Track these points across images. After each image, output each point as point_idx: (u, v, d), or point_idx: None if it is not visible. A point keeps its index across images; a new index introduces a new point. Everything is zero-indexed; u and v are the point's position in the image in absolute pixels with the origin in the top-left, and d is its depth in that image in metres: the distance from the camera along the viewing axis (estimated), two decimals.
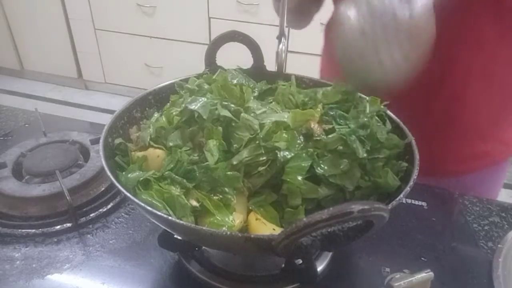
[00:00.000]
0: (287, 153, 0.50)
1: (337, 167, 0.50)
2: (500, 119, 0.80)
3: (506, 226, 0.69)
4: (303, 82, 0.68)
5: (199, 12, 2.44)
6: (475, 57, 0.72)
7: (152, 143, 0.55)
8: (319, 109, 0.55)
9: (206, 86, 0.60)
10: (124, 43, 2.68)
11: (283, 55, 0.65)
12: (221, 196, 0.49)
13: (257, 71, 0.68)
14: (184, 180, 0.48)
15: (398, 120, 0.58)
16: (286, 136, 0.51)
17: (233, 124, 0.52)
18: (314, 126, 0.53)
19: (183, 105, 0.55)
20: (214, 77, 0.63)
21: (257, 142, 0.50)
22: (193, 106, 0.53)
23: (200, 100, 0.54)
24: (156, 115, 0.61)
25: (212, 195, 0.49)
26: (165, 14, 2.52)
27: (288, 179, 0.49)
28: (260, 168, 0.50)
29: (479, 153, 0.81)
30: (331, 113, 0.56)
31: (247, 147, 0.50)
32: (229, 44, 0.65)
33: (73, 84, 3.01)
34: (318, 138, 0.52)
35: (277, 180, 0.51)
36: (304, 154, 0.50)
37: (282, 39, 0.65)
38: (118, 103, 0.60)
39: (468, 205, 0.73)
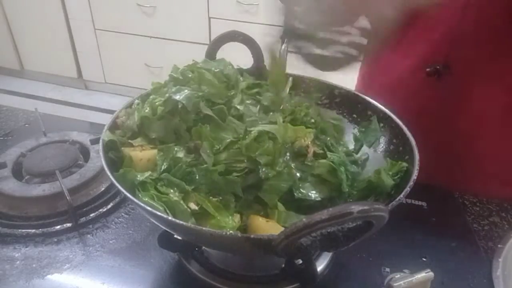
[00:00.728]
0: (267, 170, 0.48)
1: (317, 194, 0.50)
2: None
3: (506, 226, 0.69)
4: (303, 82, 0.68)
5: (199, 12, 2.44)
6: (495, 91, 0.67)
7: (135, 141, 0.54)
8: (312, 130, 0.54)
9: (190, 75, 0.58)
10: (124, 43, 2.68)
11: (285, 56, 0.65)
12: (220, 198, 0.48)
13: (258, 71, 0.68)
14: (183, 183, 0.48)
15: (400, 123, 0.58)
16: (272, 149, 0.48)
17: (218, 123, 0.51)
18: (310, 148, 0.51)
19: (167, 95, 0.53)
20: (198, 65, 0.61)
21: (238, 147, 0.49)
22: (177, 97, 0.52)
23: (185, 91, 0.53)
24: (137, 101, 0.58)
25: (211, 197, 0.48)
26: (165, 14, 2.52)
27: (265, 199, 0.48)
28: (234, 174, 0.48)
29: (493, 196, 0.75)
30: (322, 137, 0.55)
31: (228, 149, 0.49)
32: (230, 44, 0.65)
33: (73, 84, 3.01)
34: (309, 162, 0.50)
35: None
36: (286, 174, 0.49)
37: (285, 39, 0.65)
38: (118, 103, 0.59)
39: (468, 205, 0.73)
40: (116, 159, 0.53)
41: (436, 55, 0.69)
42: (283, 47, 0.65)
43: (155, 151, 0.52)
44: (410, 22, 0.68)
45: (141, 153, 0.52)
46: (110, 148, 0.54)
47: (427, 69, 0.69)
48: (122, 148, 0.54)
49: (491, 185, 0.74)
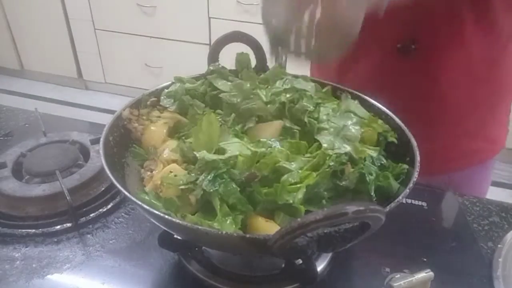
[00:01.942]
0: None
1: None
2: (487, 117, 0.81)
3: (506, 226, 0.69)
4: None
5: (199, 12, 2.44)
6: (459, 57, 0.73)
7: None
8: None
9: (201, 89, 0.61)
10: (124, 43, 2.68)
11: (285, 56, 0.65)
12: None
13: (261, 72, 0.68)
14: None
15: (401, 124, 0.58)
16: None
17: None
18: (347, 167, 0.51)
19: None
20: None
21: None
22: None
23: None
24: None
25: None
26: (165, 14, 2.52)
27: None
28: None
29: (467, 151, 0.83)
30: None
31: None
32: (232, 44, 0.65)
33: (73, 84, 3.01)
34: (345, 182, 0.50)
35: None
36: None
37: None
38: (118, 103, 0.60)
39: (468, 205, 0.73)
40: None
41: (403, 33, 0.75)
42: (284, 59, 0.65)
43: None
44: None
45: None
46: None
47: (398, 45, 0.74)
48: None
49: (455, 145, 0.82)
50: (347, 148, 0.51)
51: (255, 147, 0.51)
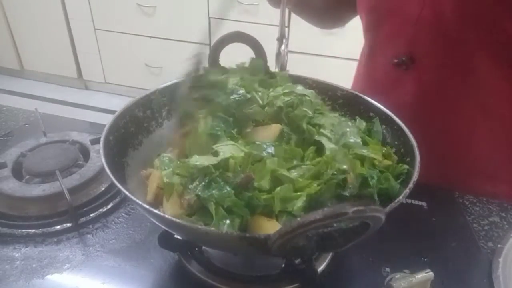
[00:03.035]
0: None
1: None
2: (508, 159, 0.75)
3: (506, 226, 0.69)
4: (306, 83, 0.67)
5: (199, 12, 2.44)
6: (468, 87, 0.70)
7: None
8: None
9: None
10: (124, 43, 2.68)
11: (285, 57, 0.65)
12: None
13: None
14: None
15: (401, 124, 0.58)
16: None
17: None
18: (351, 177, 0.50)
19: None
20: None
21: None
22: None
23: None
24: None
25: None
26: (165, 14, 2.52)
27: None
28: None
29: (488, 194, 0.76)
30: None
31: None
32: (232, 44, 0.65)
33: (73, 84, 3.01)
34: (348, 192, 0.49)
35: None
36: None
37: (283, 40, 0.65)
38: (118, 103, 0.60)
39: (468, 205, 0.73)
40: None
41: (401, 50, 0.74)
42: (282, 47, 0.65)
43: None
44: (380, 24, 0.77)
45: None
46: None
47: (395, 61, 0.74)
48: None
49: (477, 188, 0.76)
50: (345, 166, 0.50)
51: (250, 149, 0.51)
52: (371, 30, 0.81)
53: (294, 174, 0.49)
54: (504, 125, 0.73)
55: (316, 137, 0.55)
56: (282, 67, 0.66)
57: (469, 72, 0.69)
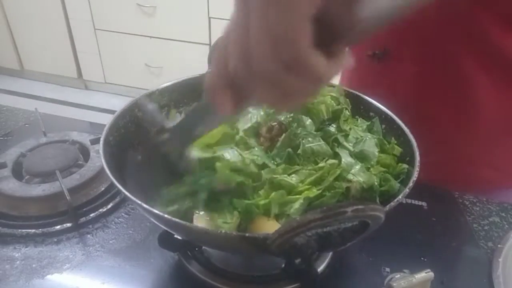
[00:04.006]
0: None
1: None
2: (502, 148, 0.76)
3: (506, 226, 0.69)
4: None
5: (199, 12, 2.44)
6: (458, 87, 0.70)
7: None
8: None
9: None
10: (124, 43, 2.68)
11: None
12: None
13: None
14: None
15: (401, 124, 0.58)
16: None
17: None
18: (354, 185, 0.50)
19: None
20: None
21: None
22: None
23: None
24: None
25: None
26: (165, 14, 2.52)
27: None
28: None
29: (485, 179, 0.77)
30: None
31: None
32: None
33: (73, 84, 3.01)
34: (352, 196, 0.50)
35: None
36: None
37: None
38: (118, 103, 0.60)
39: (468, 205, 0.73)
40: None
41: (375, 42, 0.75)
42: None
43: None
44: None
45: None
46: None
47: (368, 53, 0.75)
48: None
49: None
50: (362, 178, 0.51)
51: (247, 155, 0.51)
52: None
53: (294, 179, 0.49)
54: (486, 114, 0.72)
55: (337, 150, 0.55)
56: None
57: (448, 64, 0.69)
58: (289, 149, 0.53)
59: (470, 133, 0.74)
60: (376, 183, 0.50)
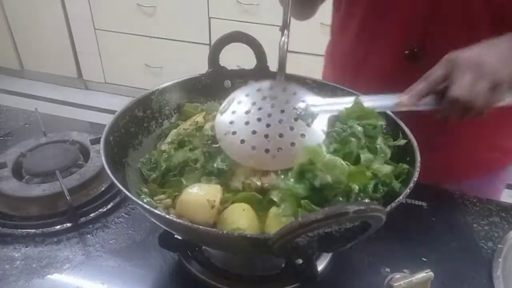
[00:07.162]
0: None
1: None
2: (502, 128, 0.78)
3: (506, 226, 0.69)
4: (305, 83, 0.67)
5: (199, 12, 2.44)
6: None
7: None
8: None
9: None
10: (124, 43, 2.67)
11: (285, 47, 0.64)
12: None
13: (260, 72, 0.68)
14: None
15: (402, 124, 0.58)
16: None
17: None
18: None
19: None
20: None
21: None
22: None
23: None
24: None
25: None
26: (165, 14, 2.52)
27: None
28: None
29: (482, 161, 0.80)
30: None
31: None
32: (232, 44, 0.65)
33: (73, 84, 3.01)
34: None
35: None
36: None
37: (285, 31, 0.64)
38: (118, 103, 0.60)
39: (468, 205, 0.73)
40: None
41: (411, 36, 0.71)
42: (282, 39, 0.64)
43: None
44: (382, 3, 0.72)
45: None
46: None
47: (406, 52, 0.71)
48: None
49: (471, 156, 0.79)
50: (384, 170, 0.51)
51: None
52: (374, 18, 0.76)
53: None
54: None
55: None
56: (281, 59, 0.64)
57: None
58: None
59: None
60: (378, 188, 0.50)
